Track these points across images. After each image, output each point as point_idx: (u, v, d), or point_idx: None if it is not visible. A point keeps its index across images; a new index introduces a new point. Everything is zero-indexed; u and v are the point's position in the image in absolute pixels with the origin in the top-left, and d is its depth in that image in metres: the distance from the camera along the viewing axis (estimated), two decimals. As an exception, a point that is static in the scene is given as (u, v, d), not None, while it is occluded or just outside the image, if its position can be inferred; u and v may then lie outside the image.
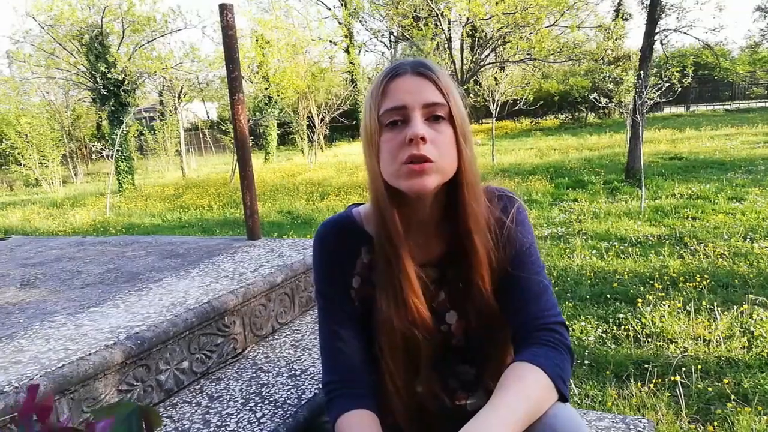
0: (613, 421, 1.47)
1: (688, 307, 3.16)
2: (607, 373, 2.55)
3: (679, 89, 8.22)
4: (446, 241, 1.02)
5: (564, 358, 0.92)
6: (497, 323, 1.02)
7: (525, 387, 0.85)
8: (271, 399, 1.42)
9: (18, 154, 15.76)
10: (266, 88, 15.01)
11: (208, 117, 26.17)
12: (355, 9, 25.11)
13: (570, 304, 3.43)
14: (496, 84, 12.51)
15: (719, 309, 3.12)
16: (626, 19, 21.50)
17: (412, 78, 0.93)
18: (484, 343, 1.04)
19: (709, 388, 2.33)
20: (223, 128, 16.23)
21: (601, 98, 9.51)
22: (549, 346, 0.93)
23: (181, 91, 16.55)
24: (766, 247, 4.29)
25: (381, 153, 0.94)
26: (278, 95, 15.27)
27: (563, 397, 0.88)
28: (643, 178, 6.50)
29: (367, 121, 0.96)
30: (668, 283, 3.67)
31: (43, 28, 12.99)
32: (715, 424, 2.09)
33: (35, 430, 0.52)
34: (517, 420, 0.80)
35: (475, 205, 0.97)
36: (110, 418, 0.54)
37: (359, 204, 1.13)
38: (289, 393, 1.44)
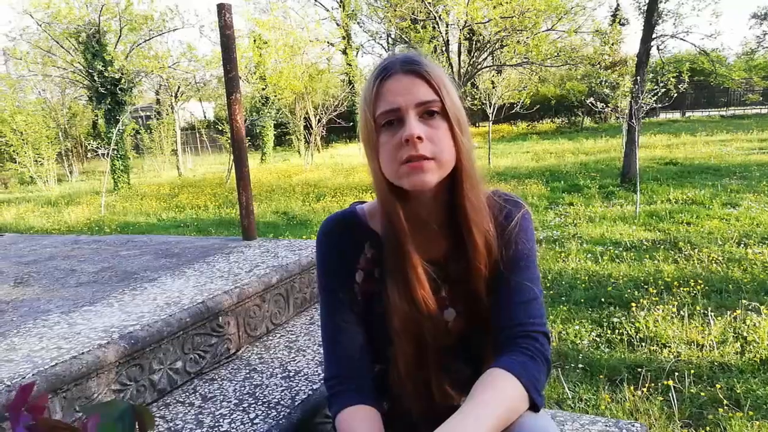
0: (606, 425, 1.48)
1: (681, 312, 3.17)
2: (601, 377, 2.56)
3: (675, 95, 8.25)
4: (449, 238, 1.03)
5: (540, 369, 0.93)
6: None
7: (498, 393, 0.86)
8: (265, 400, 1.41)
9: (13, 151, 15.68)
10: (263, 89, 15.01)
11: (205, 117, 26.11)
12: (353, 11, 25.15)
13: (564, 308, 3.44)
14: (493, 87, 12.54)
15: (713, 314, 3.13)
16: (623, 24, 21.61)
17: (402, 77, 0.94)
18: (480, 342, 1.04)
19: (702, 393, 2.34)
20: (220, 128, 16.19)
21: (598, 103, 9.55)
22: (527, 355, 0.94)
23: (177, 91, 16.54)
24: (759, 252, 4.31)
25: (381, 154, 0.95)
26: (275, 96, 15.28)
27: (535, 407, 0.90)
28: (638, 183, 6.52)
29: (363, 123, 0.97)
30: (662, 287, 3.68)
31: (40, 25, 12.96)
32: (708, 428, 2.10)
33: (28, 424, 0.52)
34: (489, 425, 0.81)
35: (473, 197, 0.98)
36: (99, 416, 0.54)
37: (363, 202, 1.14)
38: (282, 394, 1.44)
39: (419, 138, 0.90)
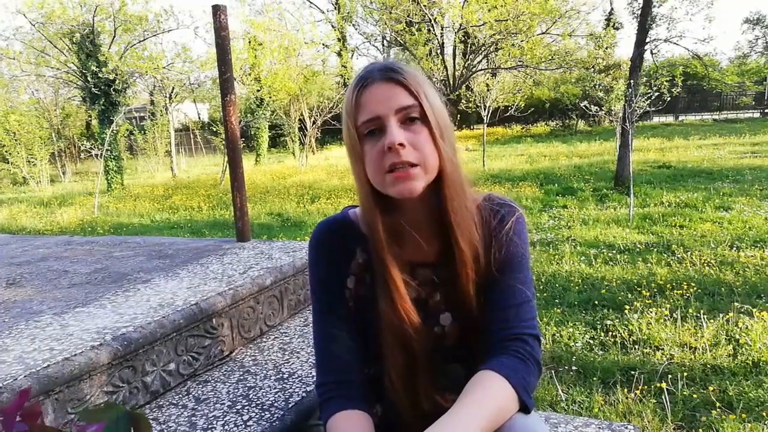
0: (599, 427, 1.48)
1: (674, 315, 3.18)
2: (594, 379, 2.56)
3: (669, 99, 8.32)
4: (440, 241, 1.03)
5: (530, 371, 0.94)
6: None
7: (488, 394, 0.87)
8: (259, 402, 1.41)
9: (6, 152, 15.58)
10: (258, 90, 14.98)
11: (199, 118, 26.04)
12: (348, 13, 25.16)
13: (558, 310, 3.45)
14: (488, 90, 12.58)
15: (705, 317, 3.14)
16: (617, 29, 21.71)
17: (381, 85, 0.94)
18: (474, 345, 1.04)
19: (695, 395, 2.35)
20: (214, 129, 16.15)
21: (592, 106, 9.61)
22: (517, 357, 0.94)
23: (172, 92, 16.46)
24: (752, 255, 4.34)
25: (366, 163, 0.96)
26: (270, 97, 15.27)
27: (526, 408, 0.90)
28: (631, 186, 6.55)
29: (347, 133, 0.98)
30: (655, 290, 3.69)
31: (33, 25, 12.90)
32: (701, 431, 2.11)
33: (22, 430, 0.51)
34: (479, 425, 0.82)
35: (457, 201, 0.97)
36: (99, 422, 0.53)
37: (355, 206, 1.13)
38: (276, 396, 1.44)
39: (401, 145, 0.91)
